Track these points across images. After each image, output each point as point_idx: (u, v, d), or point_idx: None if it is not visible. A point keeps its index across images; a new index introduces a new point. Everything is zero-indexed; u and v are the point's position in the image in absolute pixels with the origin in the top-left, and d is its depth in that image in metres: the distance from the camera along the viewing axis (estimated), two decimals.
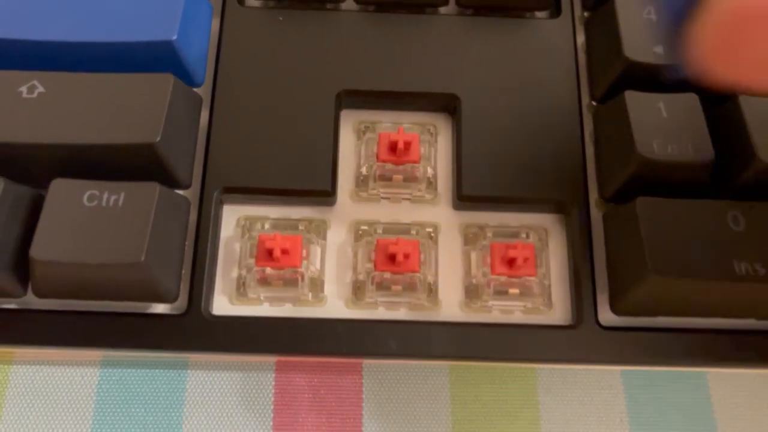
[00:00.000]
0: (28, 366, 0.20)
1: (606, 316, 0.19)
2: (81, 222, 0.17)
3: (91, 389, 0.19)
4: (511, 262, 0.18)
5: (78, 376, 0.20)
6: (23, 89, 0.18)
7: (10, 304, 0.18)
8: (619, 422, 0.20)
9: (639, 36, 0.20)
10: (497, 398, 0.20)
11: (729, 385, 0.20)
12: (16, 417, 0.19)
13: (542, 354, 0.18)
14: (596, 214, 0.19)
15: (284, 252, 0.18)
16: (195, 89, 0.20)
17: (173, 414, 0.19)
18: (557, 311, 0.19)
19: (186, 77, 0.20)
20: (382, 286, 0.19)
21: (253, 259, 0.18)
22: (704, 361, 0.18)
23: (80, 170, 0.18)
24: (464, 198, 0.19)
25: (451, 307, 0.19)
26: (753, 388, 0.20)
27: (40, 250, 0.17)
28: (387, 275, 0.18)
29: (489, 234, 0.19)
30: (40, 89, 0.18)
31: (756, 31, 0.12)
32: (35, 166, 0.18)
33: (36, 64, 0.19)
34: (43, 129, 0.18)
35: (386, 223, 0.19)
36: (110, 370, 0.20)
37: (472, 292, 0.19)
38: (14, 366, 0.20)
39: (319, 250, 0.19)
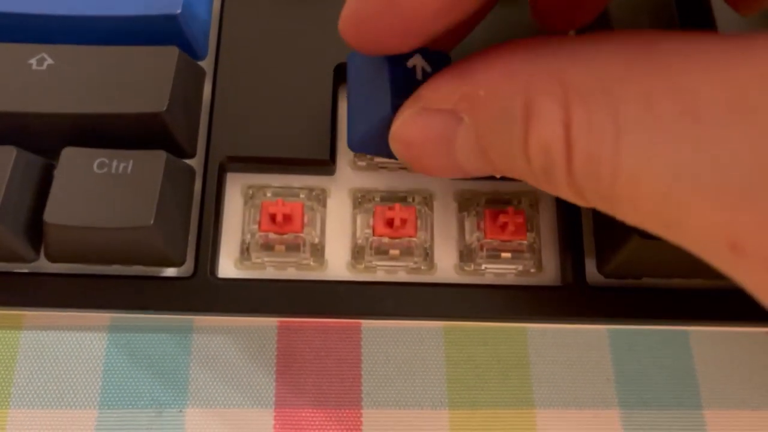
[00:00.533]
0: (38, 331, 0.20)
1: (593, 277, 0.20)
2: (92, 188, 0.18)
3: (100, 352, 0.20)
4: (503, 227, 0.19)
5: (87, 340, 0.20)
6: (33, 61, 0.19)
7: (23, 269, 0.19)
8: (606, 381, 0.20)
9: None
10: (490, 359, 0.21)
11: (710, 344, 0.21)
12: (27, 380, 0.20)
13: (533, 314, 0.19)
14: None
15: (286, 218, 0.19)
16: (198, 62, 0.21)
17: (179, 375, 0.20)
18: (547, 273, 0.20)
19: (189, 50, 0.20)
20: (380, 251, 0.19)
21: (256, 225, 0.19)
22: (686, 320, 0.19)
23: (89, 139, 0.19)
24: None
25: (446, 270, 0.20)
26: (732, 347, 0.21)
27: (53, 214, 0.17)
28: (385, 240, 0.19)
29: (482, 200, 0.20)
30: (49, 61, 0.19)
31: (417, 150, 0.16)
32: (46, 136, 0.19)
33: (43, 38, 0.19)
34: (53, 99, 0.18)
35: (384, 190, 0.20)
36: (118, 334, 0.20)
37: (466, 256, 0.20)
38: (25, 331, 0.20)
39: (319, 216, 0.20)
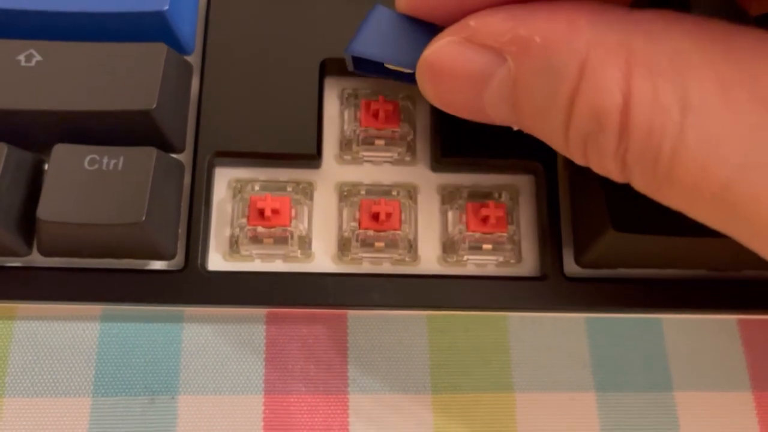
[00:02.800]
0: (31, 321, 0.21)
1: (571, 268, 0.20)
2: (83, 185, 0.18)
3: (92, 342, 0.21)
4: (484, 220, 0.20)
5: (80, 329, 0.21)
6: (21, 58, 0.19)
7: (16, 262, 0.19)
8: (582, 365, 0.21)
9: None
10: (471, 345, 0.21)
11: (681, 330, 0.22)
12: (21, 369, 0.20)
13: (513, 303, 0.20)
14: (563, 174, 0.21)
15: (274, 212, 0.19)
16: (186, 57, 0.21)
17: (171, 363, 0.21)
18: (526, 264, 0.21)
19: (177, 46, 0.20)
20: (365, 243, 0.20)
21: (245, 219, 0.20)
22: (659, 308, 0.20)
23: (79, 136, 0.19)
24: (442, 161, 0.21)
25: (429, 262, 0.20)
26: (702, 333, 0.22)
27: (46, 211, 0.18)
28: (370, 233, 0.20)
29: (464, 194, 0.21)
30: (38, 58, 0.19)
31: (446, 82, 0.16)
32: (35, 133, 0.19)
33: (31, 34, 0.19)
34: (42, 96, 0.19)
35: (369, 184, 0.21)
36: (110, 324, 0.21)
37: (448, 248, 0.20)
38: (18, 321, 0.21)
39: (306, 209, 0.20)
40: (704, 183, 0.13)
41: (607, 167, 0.14)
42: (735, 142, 0.12)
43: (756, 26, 0.14)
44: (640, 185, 0.14)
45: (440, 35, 0.16)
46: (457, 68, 0.15)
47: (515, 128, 0.16)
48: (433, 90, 0.16)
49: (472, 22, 0.15)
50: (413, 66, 0.17)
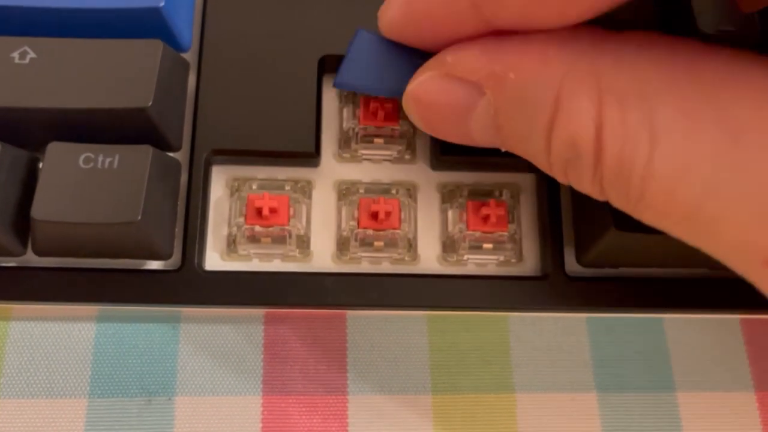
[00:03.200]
0: (26, 322, 0.21)
1: (572, 267, 0.20)
2: (78, 183, 0.18)
3: (89, 341, 0.20)
4: (485, 219, 0.20)
5: (76, 330, 0.20)
6: (15, 55, 0.19)
7: (10, 263, 0.19)
8: (584, 365, 0.21)
9: None
10: (472, 345, 0.21)
11: (683, 330, 0.22)
12: (16, 370, 0.20)
13: (514, 303, 0.20)
14: None
15: (272, 211, 0.19)
16: (182, 54, 0.21)
17: (168, 364, 0.20)
18: (527, 263, 0.20)
19: (173, 43, 0.20)
20: (365, 242, 0.20)
21: (242, 218, 0.19)
22: (661, 307, 0.20)
23: (74, 134, 0.19)
24: (442, 159, 0.20)
25: (429, 261, 0.20)
26: (704, 332, 0.22)
27: (40, 210, 0.17)
28: (369, 232, 0.20)
29: (465, 193, 0.20)
30: (32, 55, 0.19)
31: (432, 113, 0.17)
32: (30, 131, 0.19)
33: (25, 31, 0.19)
34: (36, 94, 0.18)
35: (368, 182, 0.21)
36: (106, 324, 0.21)
37: (448, 247, 0.20)
38: (13, 322, 0.21)
39: (305, 208, 0.20)
40: (673, 207, 0.13)
41: (587, 189, 0.15)
42: (699, 168, 0.13)
43: (727, 45, 0.14)
44: (617, 205, 0.15)
45: (421, 69, 0.16)
46: (441, 101, 0.16)
47: (503, 150, 0.17)
48: (420, 120, 0.17)
49: (449, 57, 0.16)
50: (399, 95, 0.17)
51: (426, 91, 0.16)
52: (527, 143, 0.15)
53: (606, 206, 0.18)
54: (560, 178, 0.15)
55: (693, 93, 0.13)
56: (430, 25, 0.16)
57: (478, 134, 0.16)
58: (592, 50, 0.14)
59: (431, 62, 0.16)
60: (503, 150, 0.17)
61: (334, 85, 0.19)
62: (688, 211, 0.13)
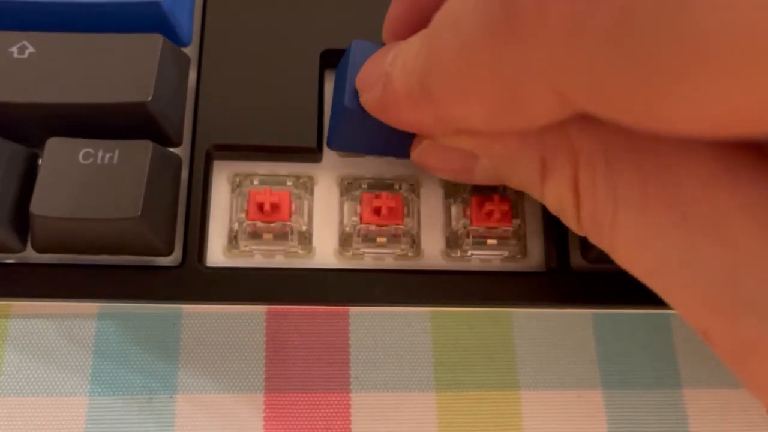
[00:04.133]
0: (26, 319, 0.20)
1: (577, 262, 0.20)
2: (78, 179, 0.18)
3: (89, 339, 0.20)
4: (489, 214, 0.19)
5: (76, 327, 0.20)
6: (14, 49, 0.19)
7: (10, 259, 0.19)
8: (589, 362, 0.21)
9: None
10: (476, 342, 0.21)
11: (688, 326, 0.21)
12: (16, 368, 0.20)
13: (518, 299, 0.19)
14: None
15: (274, 206, 0.19)
16: (182, 49, 0.20)
17: (169, 361, 0.20)
18: (532, 259, 0.20)
19: (173, 37, 0.20)
20: (367, 238, 0.20)
21: (244, 214, 0.19)
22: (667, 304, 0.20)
23: (73, 129, 0.18)
24: None
25: (433, 257, 0.20)
26: None
27: (39, 206, 0.17)
28: (372, 227, 0.19)
29: (469, 188, 0.20)
30: (31, 49, 0.19)
31: (438, 172, 0.18)
32: (29, 126, 0.19)
33: (25, 25, 0.19)
34: (35, 89, 0.18)
35: (371, 177, 0.20)
36: (107, 322, 0.20)
37: (452, 242, 0.20)
38: (13, 319, 0.20)
39: (306, 204, 0.20)
40: (635, 269, 0.14)
41: (576, 232, 0.16)
42: (652, 243, 0.13)
43: None
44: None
45: (418, 138, 0.18)
46: (443, 165, 0.18)
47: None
48: (430, 173, 0.19)
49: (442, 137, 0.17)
50: (391, 153, 0.19)
51: (428, 159, 0.18)
52: (527, 190, 0.16)
53: None
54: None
55: (649, 162, 0.13)
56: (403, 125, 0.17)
57: (484, 181, 0.17)
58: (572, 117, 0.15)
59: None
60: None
61: (327, 147, 0.20)
62: (646, 277, 0.14)
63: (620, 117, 0.12)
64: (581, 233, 0.15)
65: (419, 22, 0.17)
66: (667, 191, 0.13)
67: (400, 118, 0.16)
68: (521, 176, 0.16)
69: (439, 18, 0.14)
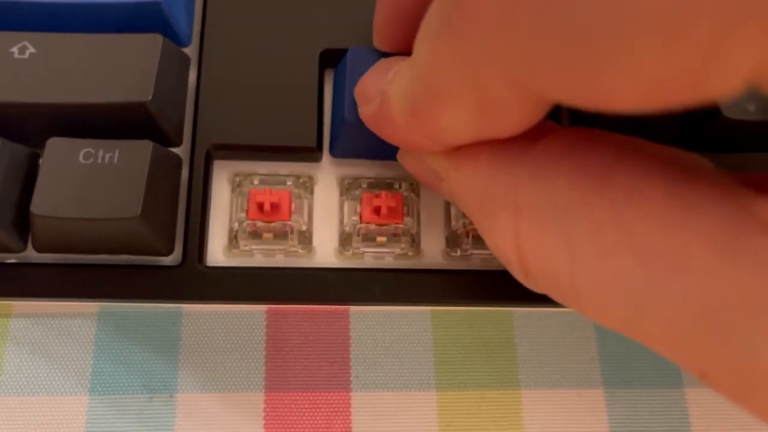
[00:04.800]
0: (27, 319, 0.20)
1: None
2: (78, 179, 0.18)
3: (89, 338, 0.20)
4: None
5: (77, 326, 0.20)
6: (14, 50, 0.19)
7: (10, 259, 0.19)
8: (590, 361, 0.21)
9: None
10: (476, 341, 0.21)
11: None
12: (17, 367, 0.20)
13: (519, 298, 0.19)
14: None
15: (274, 206, 0.19)
16: (182, 49, 0.20)
17: (169, 362, 0.20)
18: None
19: (173, 37, 0.20)
20: (367, 238, 0.20)
21: (244, 213, 0.19)
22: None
23: (73, 129, 0.18)
24: None
25: (433, 256, 0.20)
26: None
27: (40, 206, 0.17)
28: (372, 227, 0.19)
29: None
30: (31, 50, 0.19)
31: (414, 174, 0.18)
32: (29, 126, 0.19)
33: (25, 26, 0.19)
34: (36, 89, 0.18)
35: (371, 177, 0.20)
36: (108, 320, 0.20)
37: (452, 242, 0.20)
38: (13, 319, 0.20)
39: (306, 203, 0.20)
40: (608, 318, 0.13)
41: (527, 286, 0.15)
42: (622, 287, 0.13)
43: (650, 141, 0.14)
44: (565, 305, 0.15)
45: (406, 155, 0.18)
46: (416, 174, 0.18)
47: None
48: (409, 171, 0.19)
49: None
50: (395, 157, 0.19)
51: (405, 163, 0.18)
52: (478, 226, 0.16)
53: None
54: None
55: (601, 210, 0.13)
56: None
57: (449, 198, 0.18)
58: (517, 161, 0.14)
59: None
60: None
61: (330, 155, 0.21)
62: (623, 327, 0.13)
63: (572, 96, 0.12)
64: (536, 290, 0.15)
65: (405, 25, 0.17)
66: (625, 237, 0.13)
67: (396, 136, 0.17)
68: (468, 213, 0.16)
69: (418, 33, 0.15)
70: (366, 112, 0.17)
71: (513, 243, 0.14)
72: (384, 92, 0.16)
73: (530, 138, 0.14)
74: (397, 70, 0.16)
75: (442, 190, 0.17)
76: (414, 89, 0.15)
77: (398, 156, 0.19)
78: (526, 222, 0.14)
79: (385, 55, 0.18)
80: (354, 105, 0.18)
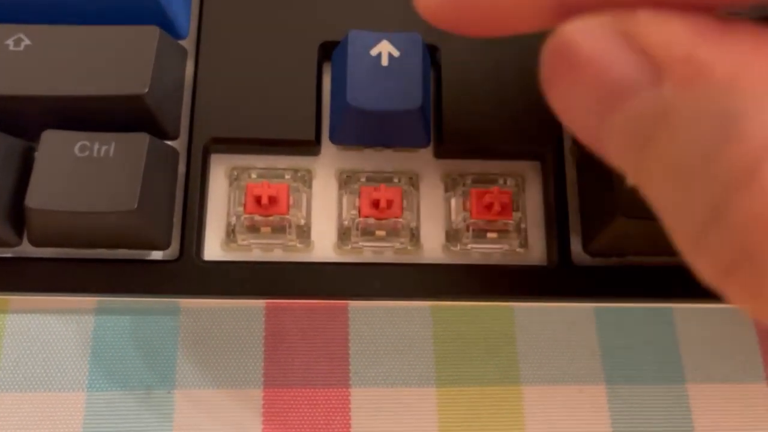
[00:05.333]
0: (23, 314, 0.20)
1: (579, 256, 0.20)
2: (74, 172, 0.17)
3: (87, 334, 0.20)
4: (489, 207, 0.19)
5: (74, 322, 0.20)
6: (9, 42, 0.18)
7: (6, 254, 0.19)
8: (591, 356, 0.21)
9: None
10: (477, 336, 0.21)
11: (692, 320, 0.21)
12: (14, 363, 0.20)
13: (519, 293, 0.19)
14: (570, 160, 0.20)
15: (272, 200, 0.19)
16: (180, 41, 0.20)
17: (167, 356, 0.20)
18: (533, 252, 0.20)
19: (170, 29, 0.20)
20: (366, 232, 0.19)
21: (241, 207, 0.19)
22: (670, 297, 0.20)
23: (69, 122, 0.18)
24: (445, 146, 0.20)
25: (432, 250, 0.20)
26: (714, 323, 0.21)
27: (35, 199, 0.17)
28: (371, 221, 0.19)
29: (468, 181, 0.20)
30: (27, 42, 0.19)
31: (573, 75, 0.11)
32: (25, 119, 0.19)
33: (21, 18, 0.19)
34: (31, 81, 0.18)
35: (370, 171, 0.20)
36: (105, 315, 0.20)
37: (452, 236, 0.20)
38: (10, 314, 0.20)
39: (305, 197, 0.20)
40: None
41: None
42: None
43: None
44: None
45: (591, 15, 0.11)
46: (595, 62, 0.11)
47: (629, 183, 0.11)
48: (552, 80, 0.12)
49: (643, 15, 0.11)
50: (396, 143, 0.19)
51: (583, 41, 0.11)
52: (683, 189, 0.10)
53: (614, 193, 0.18)
54: (707, 275, 0.10)
55: None
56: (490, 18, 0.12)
57: (613, 141, 0.11)
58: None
59: (612, 11, 0.11)
60: (629, 183, 0.11)
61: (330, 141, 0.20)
62: None
63: None
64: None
65: None
66: None
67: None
68: (705, 149, 0.09)
69: None
70: None
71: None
72: None
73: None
74: None
75: (635, 104, 0.11)
76: None
77: (568, 29, 0.11)
78: None
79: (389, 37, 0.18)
80: (357, 89, 0.18)
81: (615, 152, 0.11)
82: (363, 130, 0.19)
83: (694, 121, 0.10)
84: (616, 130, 0.11)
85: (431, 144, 0.20)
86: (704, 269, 0.10)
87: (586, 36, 0.11)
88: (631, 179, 0.11)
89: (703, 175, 0.10)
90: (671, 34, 0.10)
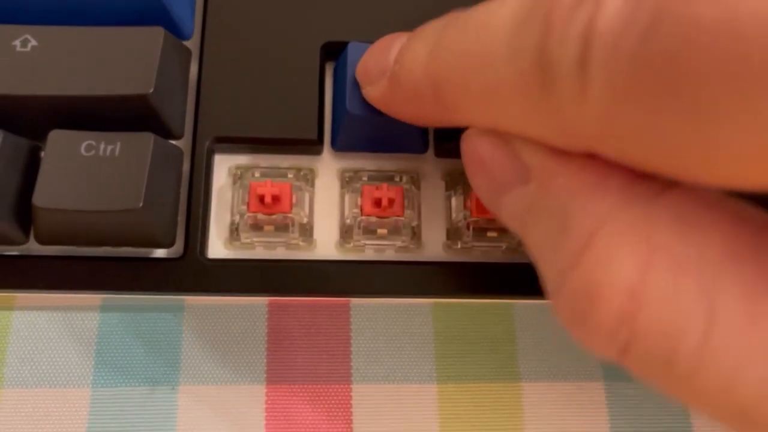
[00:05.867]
0: (29, 311, 0.21)
1: None
2: (80, 171, 0.18)
3: (92, 331, 0.20)
4: None
5: (79, 319, 0.20)
6: (17, 43, 0.19)
7: (13, 251, 0.19)
8: (592, 354, 0.21)
9: None
10: (477, 333, 0.21)
11: None
12: (20, 360, 0.20)
13: (520, 290, 0.19)
14: None
15: (275, 199, 0.19)
16: (184, 42, 0.21)
17: (172, 353, 0.20)
18: None
19: (175, 30, 0.20)
20: (368, 230, 0.20)
21: (245, 206, 0.19)
22: None
23: (75, 122, 0.18)
24: (446, 146, 0.20)
25: (433, 249, 0.20)
26: None
27: (42, 198, 0.17)
28: (373, 219, 0.19)
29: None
30: (33, 43, 0.19)
31: (475, 168, 0.16)
32: (31, 119, 0.19)
33: (27, 19, 0.19)
34: (38, 81, 0.18)
35: (372, 170, 0.20)
36: (110, 312, 0.21)
37: (453, 234, 0.20)
38: (16, 311, 0.21)
39: (307, 196, 0.20)
40: (725, 400, 0.11)
41: (595, 347, 0.13)
42: (751, 368, 0.11)
43: None
44: (642, 375, 0.13)
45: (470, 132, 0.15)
46: (487, 163, 0.15)
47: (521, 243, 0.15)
48: (466, 165, 0.16)
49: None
50: (399, 149, 0.20)
51: (477, 146, 0.15)
52: (544, 261, 0.13)
53: None
54: (565, 321, 0.13)
55: (754, 275, 0.11)
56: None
57: (504, 216, 0.15)
58: (654, 197, 0.12)
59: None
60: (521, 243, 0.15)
61: (332, 149, 0.21)
62: (743, 409, 0.11)
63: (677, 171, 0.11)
64: (608, 345, 0.12)
65: None
66: None
67: (405, 113, 0.16)
68: (552, 234, 0.13)
69: (452, 38, 0.14)
70: (371, 92, 0.17)
71: (623, 290, 0.12)
72: (393, 73, 0.16)
73: (664, 182, 0.12)
74: (404, 49, 0.15)
75: (514, 194, 0.14)
76: (442, 79, 0.14)
77: (465, 138, 0.16)
78: (659, 268, 0.11)
79: None
80: (356, 98, 0.18)
81: (505, 222, 0.15)
82: (363, 137, 0.20)
83: (545, 215, 0.13)
84: (503, 209, 0.15)
85: (433, 143, 0.20)
86: (558, 313, 0.14)
87: (478, 143, 0.15)
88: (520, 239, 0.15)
89: (552, 253, 0.13)
90: (535, 145, 0.14)
